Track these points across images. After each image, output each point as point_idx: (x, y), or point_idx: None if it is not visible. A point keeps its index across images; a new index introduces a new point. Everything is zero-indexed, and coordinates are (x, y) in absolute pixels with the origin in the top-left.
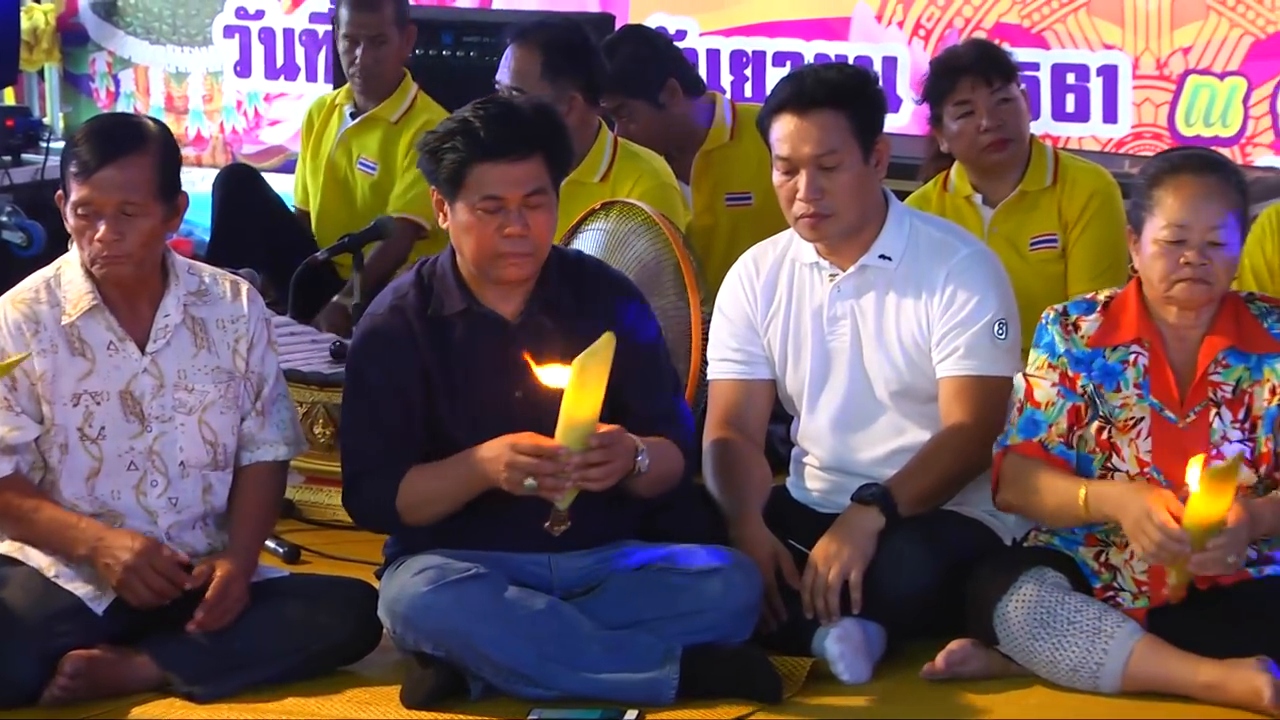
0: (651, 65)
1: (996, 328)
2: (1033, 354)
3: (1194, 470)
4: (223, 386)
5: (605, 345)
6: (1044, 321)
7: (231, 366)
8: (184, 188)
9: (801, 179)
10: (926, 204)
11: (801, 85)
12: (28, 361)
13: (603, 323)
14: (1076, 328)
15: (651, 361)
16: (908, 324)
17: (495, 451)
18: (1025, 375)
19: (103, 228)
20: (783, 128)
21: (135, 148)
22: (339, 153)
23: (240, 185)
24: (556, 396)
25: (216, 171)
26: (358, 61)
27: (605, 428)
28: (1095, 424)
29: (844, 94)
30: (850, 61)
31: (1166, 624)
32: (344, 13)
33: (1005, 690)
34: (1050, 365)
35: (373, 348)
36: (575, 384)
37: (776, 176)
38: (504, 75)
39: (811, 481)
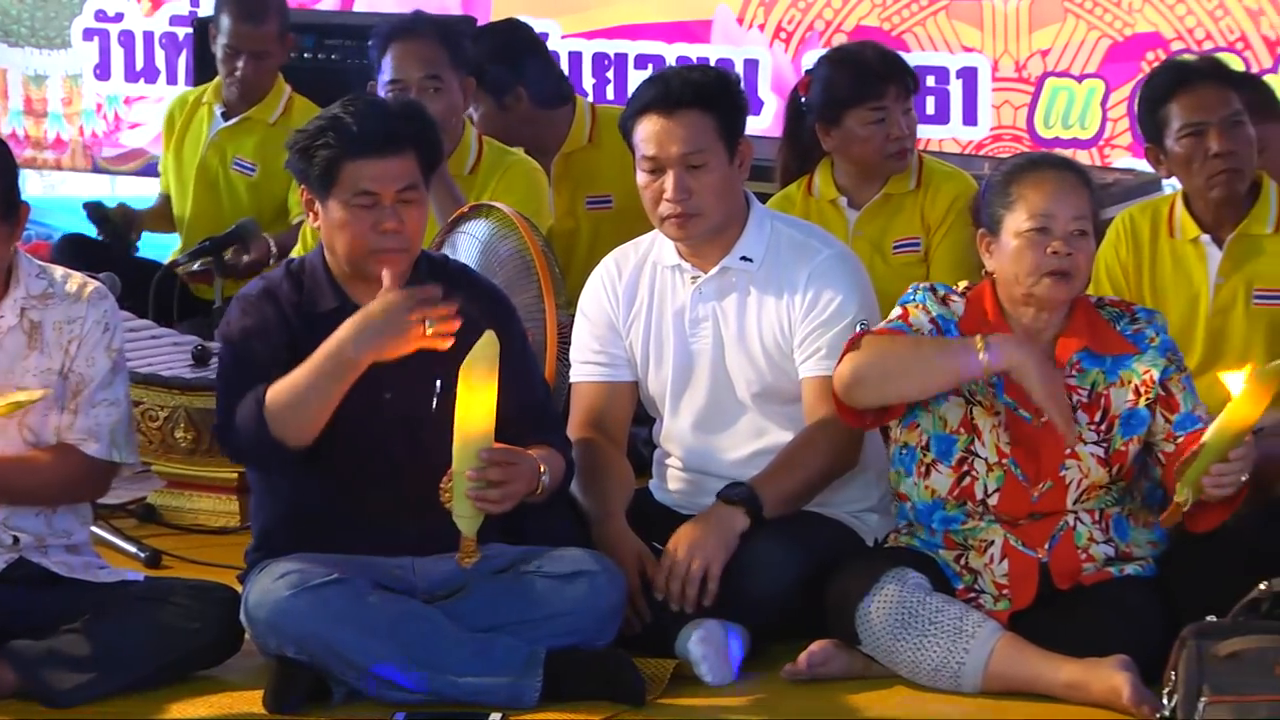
0: (506, 67)
1: (858, 328)
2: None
3: (1235, 377)
4: (50, 388)
5: (489, 346)
6: (915, 289)
7: (60, 367)
8: (45, 190)
9: (668, 179)
10: (790, 206)
11: (668, 86)
12: None
13: (472, 327)
14: (947, 303)
15: (522, 366)
16: (769, 326)
17: (366, 310)
18: (902, 305)
19: None
20: (649, 128)
21: None
22: (210, 153)
23: (76, 256)
24: (426, 396)
25: (77, 176)
26: (238, 72)
27: (503, 448)
28: (957, 403)
29: (710, 95)
30: (712, 64)
31: (1027, 624)
32: (226, 22)
33: (867, 690)
34: (921, 307)
35: (248, 319)
36: (464, 390)
37: (642, 177)
38: (407, 70)
39: (674, 483)
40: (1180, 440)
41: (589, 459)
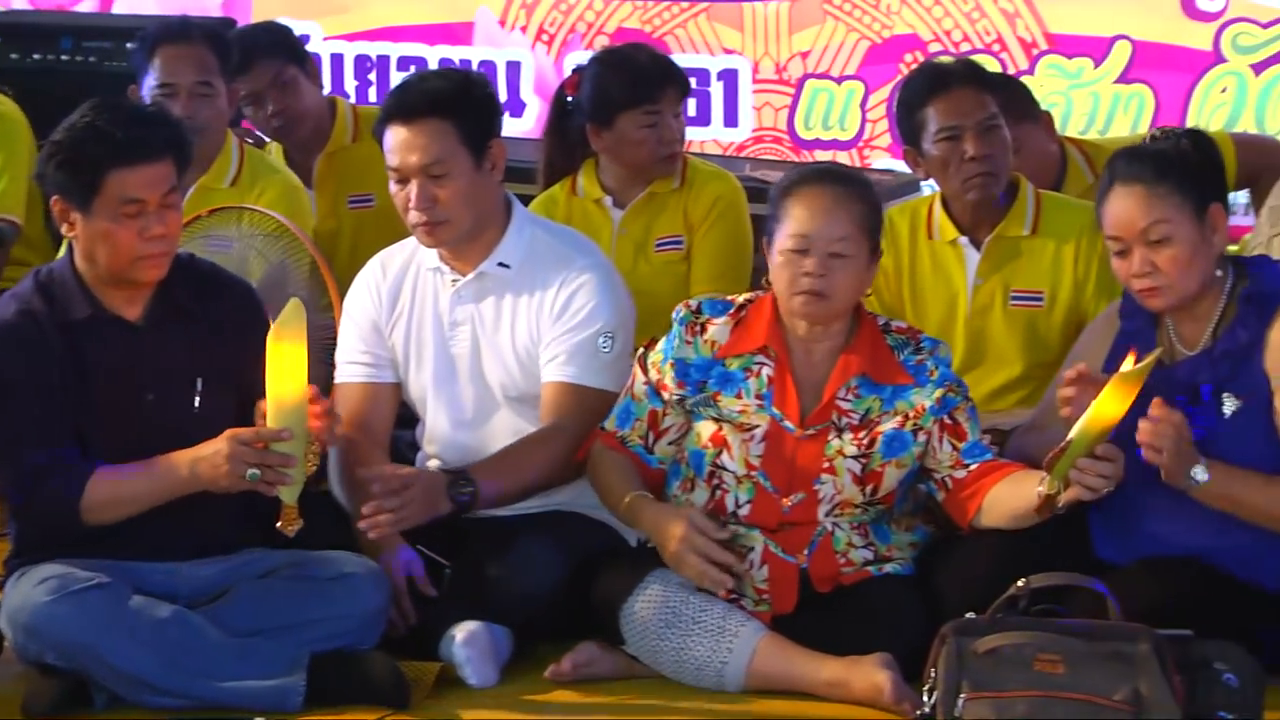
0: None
1: (602, 340)
2: (660, 342)
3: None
4: None
5: (295, 313)
6: (675, 315)
7: None
8: None
9: (412, 188)
10: (554, 206)
11: (405, 96)
12: None
13: (226, 325)
14: (704, 329)
15: None
16: (522, 331)
17: (213, 448)
18: (638, 361)
19: None
20: (392, 138)
21: None
22: None
23: None
24: (188, 397)
25: None
26: None
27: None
28: (711, 418)
29: (447, 102)
30: (474, 66)
31: (791, 624)
32: None
33: (632, 691)
34: (657, 366)
35: (8, 348)
36: (274, 360)
37: (391, 185)
38: (178, 74)
39: None
40: (973, 468)
41: (352, 460)
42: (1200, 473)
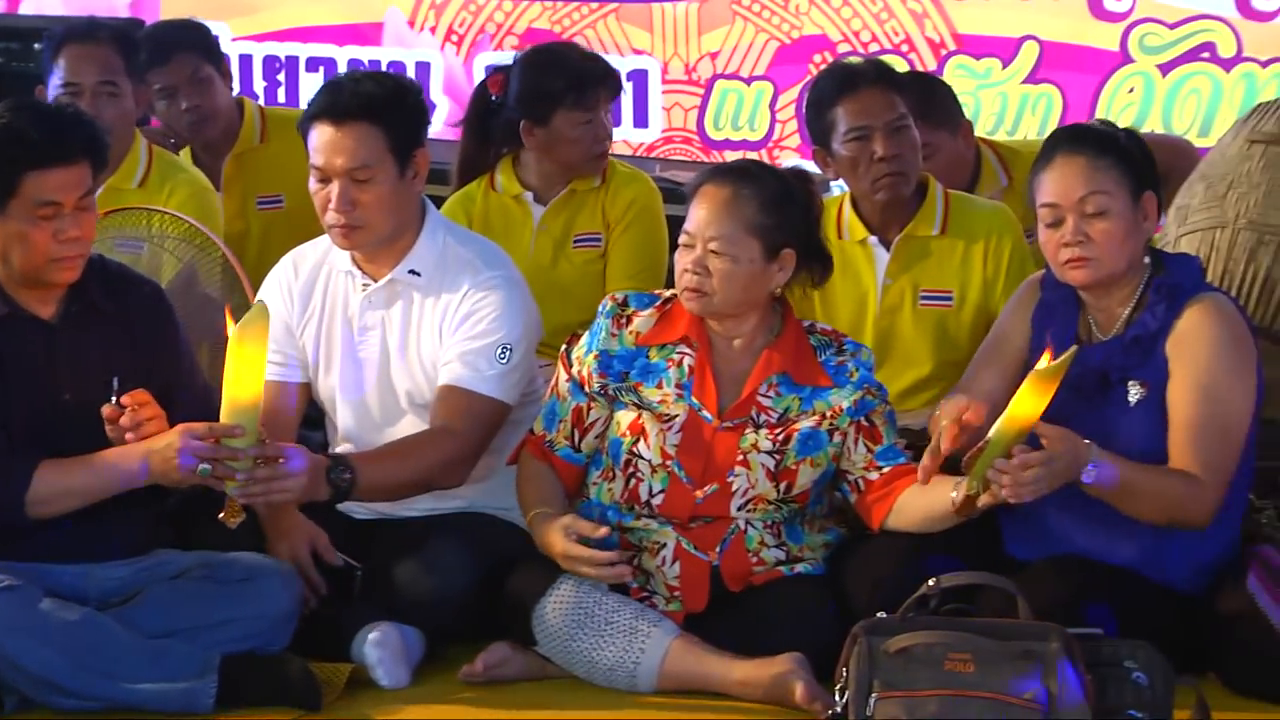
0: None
1: (500, 350)
2: (584, 337)
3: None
4: None
5: (259, 315)
6: (601, 308)
7: None
8: None
9: (334, 189)
10: (471, 203)
11: (338, 96)
12: None
13: (137, 325)
14: (629, 321)
15: (189, 365)
16: (429, 340)
17: (166, 440)
18: (561, 359)
19: None
20: (319, 137)
21: None
22: None
23: None
24: (106, 398)
25: None
26: None
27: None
28: (632, 408)
29: (380, 107)
30: (383, 67)
31: (703, 624)
32: None
33: (544, 691)
34: (581, 359)
35: None
36: (233, 359)
37: (312, 183)
38: (82, 74)
39: None
40: (885, 471)
41: None
42: (1089, 472)
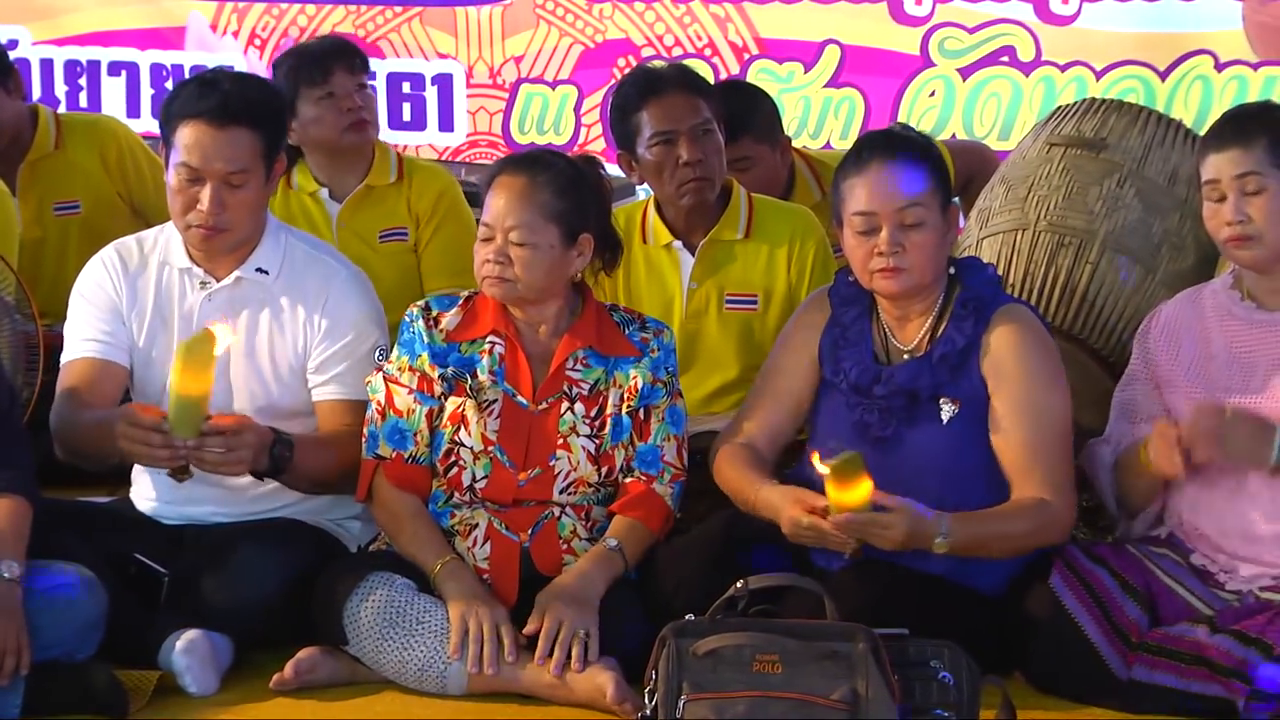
0: None
1: (378, 353)
2: (395, 351)
3: (820, 467)
4: None
5: (217, 338)
6: (407, 318)
7: None
8: None
9: (205, 192)
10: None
11: (225, 99)
12: None
13: None
14: (437, 322)
15: None
16: (284, 345)
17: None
18: (385, 378)
19: None
20: (194, 136)
21: None
22: None
23: None
24: None
25: None
26: None
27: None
28: (455, 400)
29: (262, 113)
30: (186, 72)
31: (515, 625)
32: None
33: (356, 696)
34: (410, 368)
35: None
36: (180, 366)
37: (172, 178)
38: None
39: (159, 488)
40: (626, 482)
41: (68, 429)
42: (939, 544)
